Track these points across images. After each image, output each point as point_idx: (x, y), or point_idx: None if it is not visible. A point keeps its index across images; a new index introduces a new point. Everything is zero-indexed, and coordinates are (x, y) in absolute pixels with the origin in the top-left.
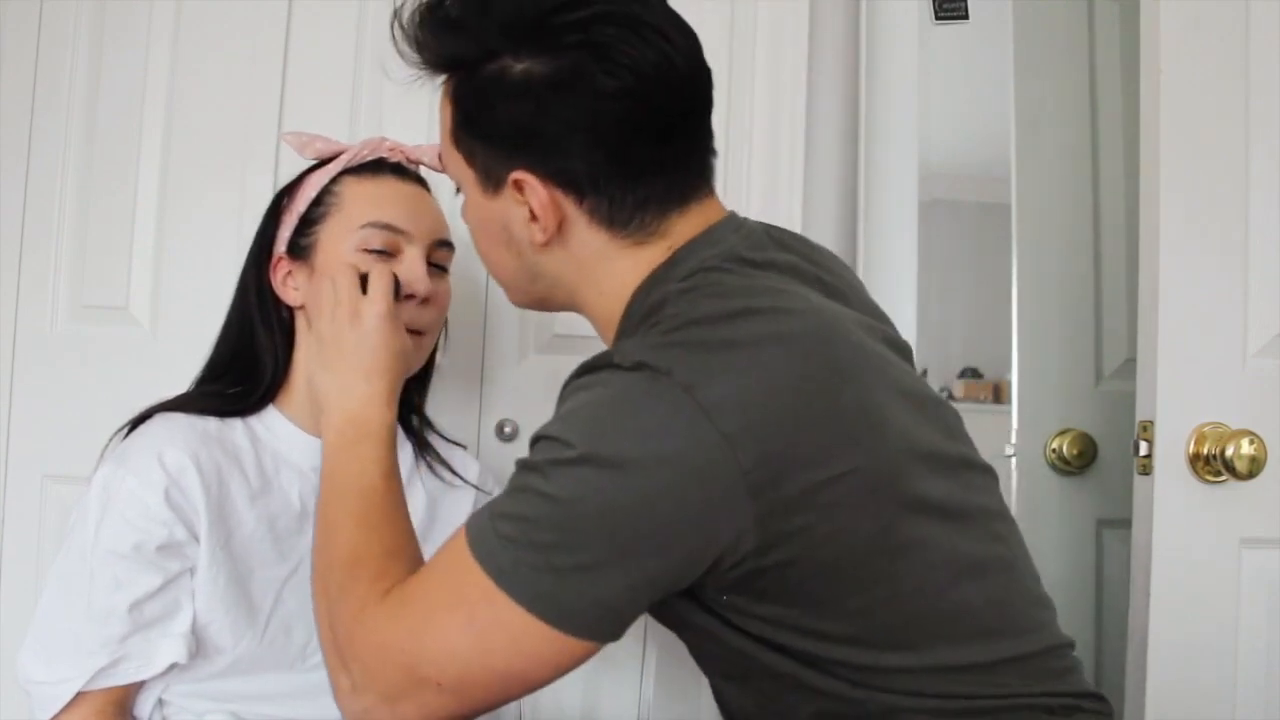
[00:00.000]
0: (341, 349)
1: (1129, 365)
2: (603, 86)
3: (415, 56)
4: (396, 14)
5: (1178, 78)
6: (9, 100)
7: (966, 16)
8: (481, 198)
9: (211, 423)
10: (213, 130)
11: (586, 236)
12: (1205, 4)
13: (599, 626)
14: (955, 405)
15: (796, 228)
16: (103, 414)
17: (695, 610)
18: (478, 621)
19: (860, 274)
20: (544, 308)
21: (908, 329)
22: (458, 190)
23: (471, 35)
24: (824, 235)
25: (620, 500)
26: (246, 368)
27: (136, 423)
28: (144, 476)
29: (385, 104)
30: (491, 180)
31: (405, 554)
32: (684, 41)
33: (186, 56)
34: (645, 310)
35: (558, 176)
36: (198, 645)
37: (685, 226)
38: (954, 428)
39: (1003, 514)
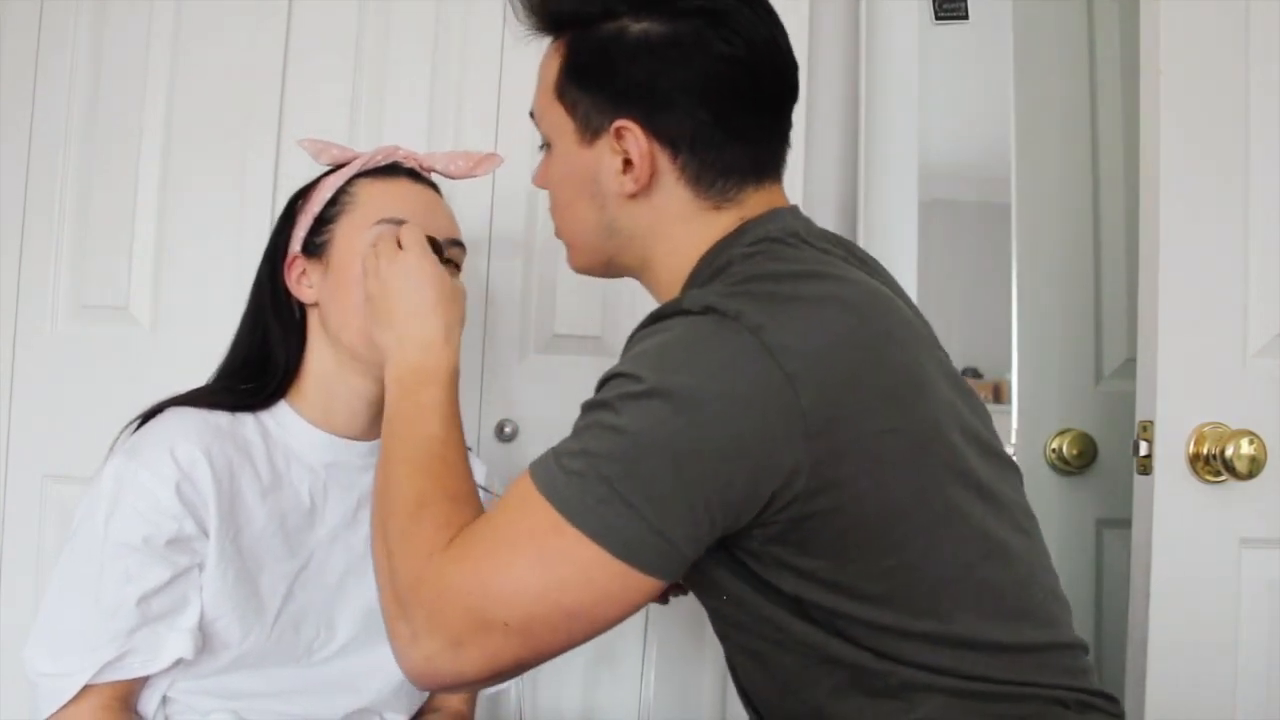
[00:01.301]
0: (390, 298)
1: (1129, 365)
2: (718, 51)
3: (530, 15)
4: None
5: (1178, 78)
6: (9, 100)
7: (966, 16)
8: (575, 147)
9: (223, 417)
10: (213, 130)
11: (673, 192)
12: (1205, 4)
13: (662, 561)
14: None
15: None
16: (103, 414)
17: (729, 574)
18: (547, 556)
19: None
20: (606, 271)
21: None
22: (542, 146)
23: None
24: None
25: (687, 432)
26: (259, 364)
27: (148, 416)
28: (156, 469)
29: (385, 104)
30: (590, 129)
31: (469, 500)
32: (783, 28)
33: (186, 56)
34: (711, 271)
35: (660, 131)
36: (205, 640)
37: (757, 201)
38: (987, 421)
39: (1027, 510)
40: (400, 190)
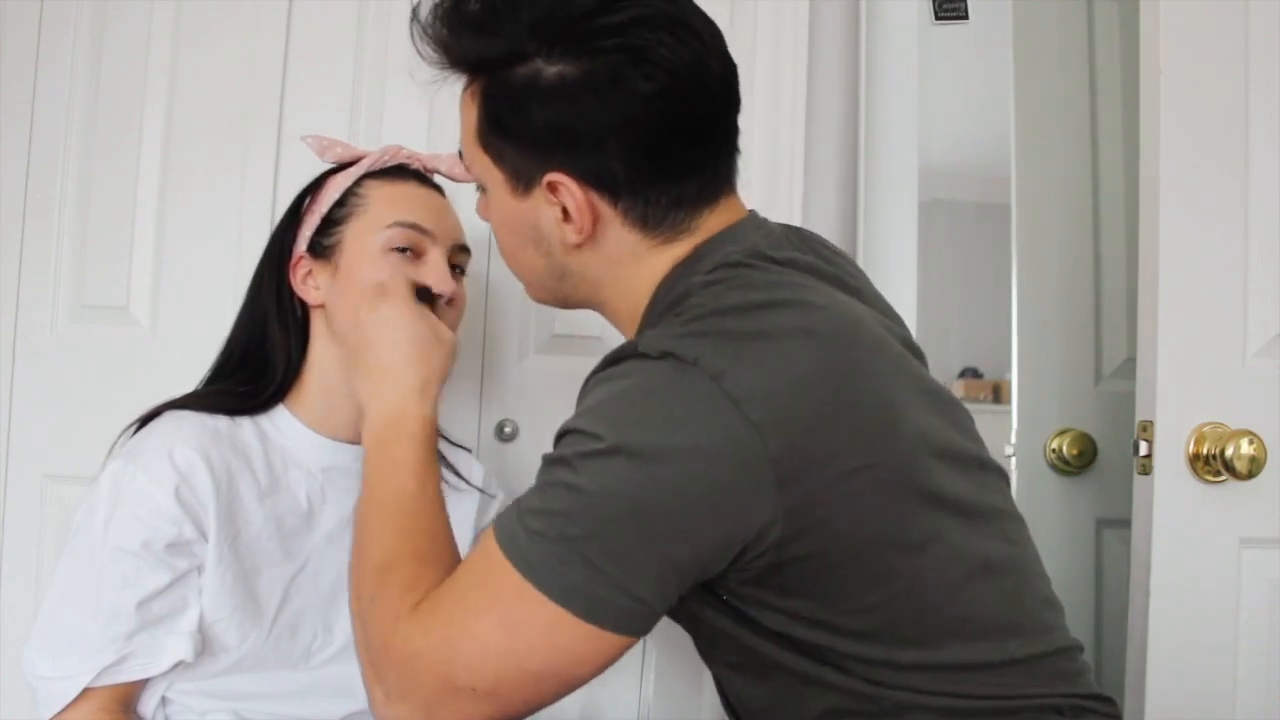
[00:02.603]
0: (368, 349)
1: (1129, 365)
2: (640, 88)
3: (437, 57)
4: (414, 12)
5: (1178, 78)
6: (9, 99)
7: (966, 16)
8: (510, 198)
9: (221, 421)
10: (213, 130)
11: (620, 235)
12: (1205, 4)
13: (630, 619)
14: None
15: None
16: (103, 414)
17: (711, 607)
18: (511, 620)
19: None
20: (564, 305)
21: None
22: (479, 188)
23: (501, 36)
24: (824, 235)
25: (650, 490)
26: (258, 366)
27: (146, 420)
28: (154, 473)
29: (386, 104)
30: (522, 181)
31: (438, 559)
32: (714, 40)
33: (186, 56)
34: (669, 302)
35: (594, 178)
36: (204, 643)
37: (712, 223)
38: (968, 427)
39: (1013, 515)
40: (411, 193)
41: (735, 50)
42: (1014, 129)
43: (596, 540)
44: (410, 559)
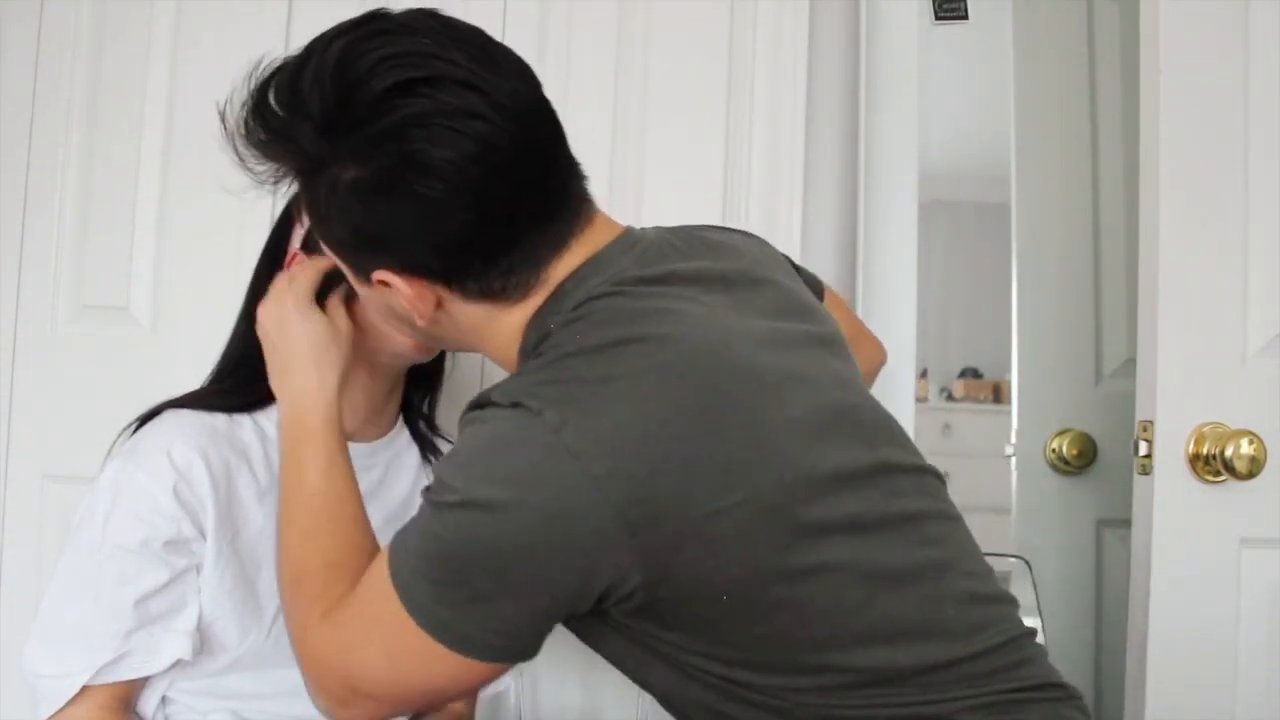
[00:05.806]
0: (273, 352)
1: (1129, 365)
2: (426, 194)
3: (253, 172)
4: (222, 119)
5: (1178, 78)
6: (9, 100)
7: (966, 16)
8: (359, 285)
9: (220, 419)
10: (213, 130)
11: (465, 309)
12: (1205, 4)
13: (499, 653)
14: (955, 405)
15: (796, 230)
16: (103, 414)
17: (609, 636)
18: (393, 649)
19: (860, 274)
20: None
21: (908, 329)
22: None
23: (297, 147)
24: (824, 235)
25: (498, 542)
26: (257, 365)
27: (145, 419)
28: (153, 472)
29: None
30: (360, 274)
31: (347, 564)
32: (510, 102)
33: (186, 56)
34: (533, 344)
35: (416, 270)
36: (203, 642)
37: (564, 267)
38: (877, 434)
39: (939, 514)
40: None
41: (735, 50)
42: (1014, 129)
43: (457, 585)
44: (318, 567)
